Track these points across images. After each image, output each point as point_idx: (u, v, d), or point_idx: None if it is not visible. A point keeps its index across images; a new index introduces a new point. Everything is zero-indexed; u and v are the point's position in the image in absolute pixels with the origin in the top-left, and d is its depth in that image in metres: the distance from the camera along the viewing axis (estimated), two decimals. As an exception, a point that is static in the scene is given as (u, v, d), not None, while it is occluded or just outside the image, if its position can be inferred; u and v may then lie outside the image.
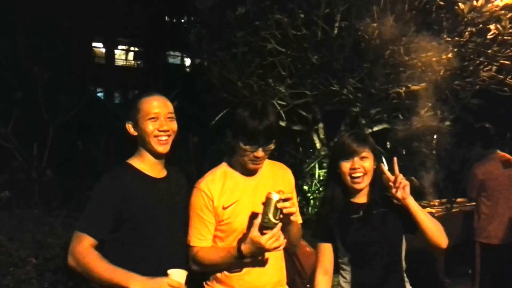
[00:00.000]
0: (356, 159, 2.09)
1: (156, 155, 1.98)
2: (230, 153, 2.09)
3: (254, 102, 2.03)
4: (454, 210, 4.55)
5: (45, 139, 5.00)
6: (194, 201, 2.03)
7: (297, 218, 2.13)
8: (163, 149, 1.96)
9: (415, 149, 5.09)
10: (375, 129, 5.41)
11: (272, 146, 2.00)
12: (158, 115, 1.94)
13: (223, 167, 2.10)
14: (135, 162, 1.98)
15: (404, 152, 4.97)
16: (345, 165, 2.10)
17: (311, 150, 5.87)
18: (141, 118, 1.94)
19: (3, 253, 2.91)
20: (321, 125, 5.69)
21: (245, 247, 1.90)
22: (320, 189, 5.23)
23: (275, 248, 1.89)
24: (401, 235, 2.11)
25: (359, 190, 2.14)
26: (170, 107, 1.99)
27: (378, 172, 2.14)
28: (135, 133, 1.96)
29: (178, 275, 1.80)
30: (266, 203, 1.87)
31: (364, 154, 2.10)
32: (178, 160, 5.15)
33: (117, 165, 1.99)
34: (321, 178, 5.46)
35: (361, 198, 2.16)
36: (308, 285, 2.36)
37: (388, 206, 2.10)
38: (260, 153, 1.96)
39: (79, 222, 1.90)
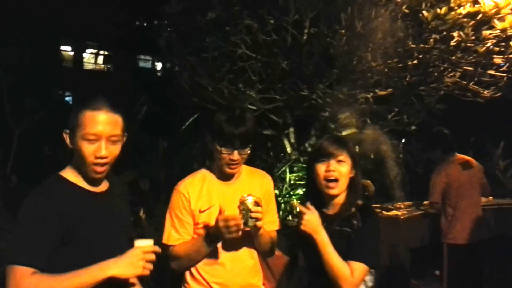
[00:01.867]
0: (332, 161, 2.00)
1: (88, 175, 1.70)
2: (210, 158, 2.13)
3: (233, 108, 2.11)
4: (419, 212, 4.65)
5: (10, 144, 4.89)
6: (173, 202, 2.11)
7: (275, 224, 2.19)
8: (99, 176, 1.68)
9: (382, 153, 5.18)
10: (344, 133, 5.49)
11: (248, 151, 2.05)
12: (98, 137, 1.63)
13: (203, 171, 2.16)
14: (69, 174, 1.69)
15: (372, 156, 5.06)
16: (320, 167, 2.01)
17: (281, 154, 5.91)
18: (77, 135, 1.63)
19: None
20: (291, 129, 5.74)
21: (212, 227, 1.99)
22: (291, 193, 5.27)
23: (230, 238, 1.94)
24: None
25: (333, 198, 2.04)
26: (116, 127, 1.67)
27: (355, 181, 2.05)
28: (70, 146, 1.67)
29: (144, 242, 1.67)
30: (240, 206, 1.94)
31: (341, 158, 2.01)
32: (147, 165, 5.14)
33: (48, 178, 1.69)
34: (292, 182, 5.50)
35: (332, 209, 2.06)
36: (276, 289, 2.38)
37: (351, 227, 1.98)
38: (235, 156, 2.00)
39: (12, 254, 1.56)
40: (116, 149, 1.69)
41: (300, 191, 5.41)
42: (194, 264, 2.08)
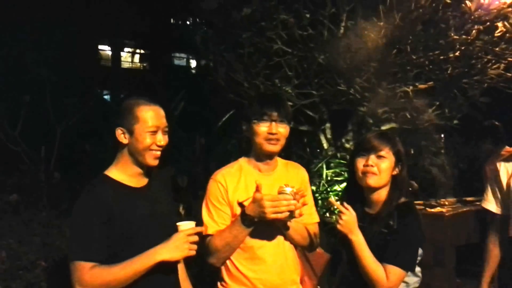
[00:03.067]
0: (372, 156, 1.96)
1: (144, 167, 1.88)
2: (247, 149, 2.11)
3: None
4: (465, 209, 4.49)
5: (53, 142, 5.01)
6: (210, 191, 2.07)
7: (314, 216, 2.14)
8: (155, 163, 1.87)
9: (423, 148, 5.05)
10: (383, 128, 5.38)
11: (286, 126, 2.02)
12: (157, 128, 1.84)
13: (240, 162, 2.13)
14: (114, 173, 1.86)
15: (412, 151, 4.93)
16: (360, 161, 1.98)
17: (318, 150, 5.85)
18: (139, 129, 1.81)
19: (12, 257, 2.91)
20: (328, 125, 5.66)
21: (248, 206, 1.93)
22: (328, 189, 5.20)
23: (274, 218, 1.87)
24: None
25: (372, 192, 1.99)
26: (165, 120, 1.90)
27: (399, 180, 1.98)
28: (125, 141, 1.83)
29: (187, 224, 1.79)
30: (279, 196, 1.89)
31: (382, 153, 1.96)
32: (185, 162, 5.17)
33: (95, 178, 1.86)
34: (329, 178, 5.43)
35: (373, 208, 2.01)
36: (318, 286, 2.35)
37: (389, 227, 1.91)
38: (274, 128, 1.97)
39: (72, 251, 1.75)
40: (167, 139, 1.89)
41: (337, 187, 5.33)
42: (232, 252, 2.03)
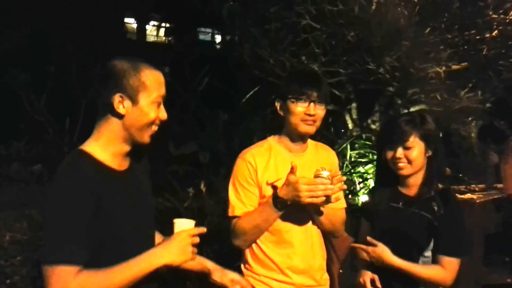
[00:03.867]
0: (400, 149, 1.93)
1: (132, 146, 1.53)
2: (276, 128, 2.02)
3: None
4: (496, 196, 4.34)
5: (77, 113, 5.03)
6: (238, 171, 1.96)
7: (342, 202, 2.05)
8: (149, 141, 1.53)
9: (453, 131, 4.89)
10: (412, 110, 5.22)
11: (323, 108, 1.93)
12: (162, 99, 1.52)
13: (270, 141, 2.03)
14: (95, 150, 1.46)
15: (441, 135, 4.78)
16: (389, 154, 1.97)
17: (342, 130, 5.73)
18: (145, 98, 1.46)
19: (33, 228, 2.93)
20: (354, 105, 5.53)
21: (281, 188, 1.84)
22: (352, 170, 5.11)
23: (310, 202, 1.78)
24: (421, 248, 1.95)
25: (407, 177, 1.98)
26: None
27: (434, 161, 1.95)
28: (123, 111, 1.45)
29: (187, 223, 1.52)
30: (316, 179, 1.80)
31: (408, 143, 1.92)
32: (207, 138, 5.14)
33: (70, 153, 1.48)
34: (353, 159, 5.32)
35: (410, 190, 2.00)
36: (340, 270, 2.29)
37: (431, 212, 1.92)
38: (312, 109, 1.89)
39: (49, 251, 1.34)
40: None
41: (361, 169, 5.23)
42: (261, 235, 1.95)
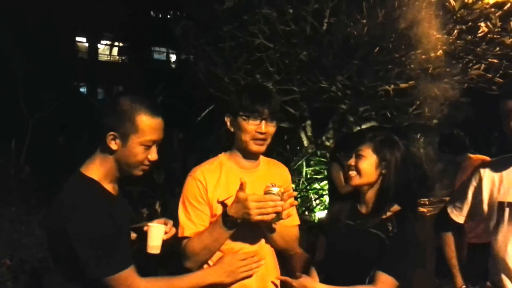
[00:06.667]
0: (352, 158, 1.93)
1: (125, 175, 1.67)
2: (227, 144, 1.98)
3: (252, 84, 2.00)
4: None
5: (24, 134, 4.84)
6: (187, 190, 1.90)
7: (295, 218, 2.03)
8: (141, 174, 1.68)
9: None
10: (363, 126, 5.36)
11: (274, 125, 1.89)
12: (154, 143, 1.62)
13: (220, 158, 1.97)
14: (98, 176, 1.62)
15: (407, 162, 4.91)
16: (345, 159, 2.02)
17: (298, 147, 5.80)
18: (135, 140, 1.58)
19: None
20: (308, 122, 5.62)
21: (230, 206, 1.77)
22: (308, 187, 5.16)
23: (260, 220, 1.73)
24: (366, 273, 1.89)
25: (363, 194, 1.95)
26: (163, 131, 1.68)
27: (386, 179, 1.91)
28: (115, 148, 1.58)
29: (161, 228, 1.74)
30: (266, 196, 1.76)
31: (360, 152, 1.92)
32: (163, 157, 5.06)
33: (80, 179, 1.61)
34: (308, 176, 5.38)
35: (365, 207, 1.97)
36: None
37: (386, 232, 1.87)
38: (263, 127, 1.84)
39: (105, 266, 1.53)
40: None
41: (317, 185, 5.29)
42: (212, 255, 1.89)
